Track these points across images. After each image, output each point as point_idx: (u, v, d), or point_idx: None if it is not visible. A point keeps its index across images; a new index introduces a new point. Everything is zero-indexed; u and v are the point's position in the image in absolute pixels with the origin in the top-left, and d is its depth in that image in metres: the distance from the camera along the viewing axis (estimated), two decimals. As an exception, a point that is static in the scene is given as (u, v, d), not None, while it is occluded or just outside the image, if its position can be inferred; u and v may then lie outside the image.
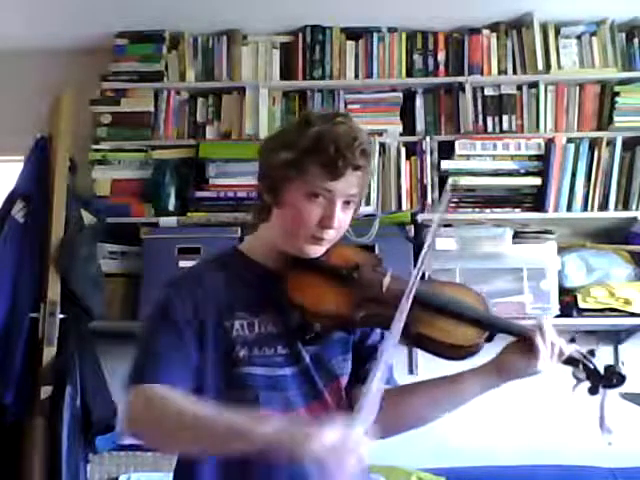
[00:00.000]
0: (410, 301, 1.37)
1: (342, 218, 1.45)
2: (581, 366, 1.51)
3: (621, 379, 1.51)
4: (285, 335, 1.44)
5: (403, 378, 1.61)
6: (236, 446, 1.25)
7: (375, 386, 1.26)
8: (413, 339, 1.45)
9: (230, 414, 1.26)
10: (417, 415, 1.53)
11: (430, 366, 1.56)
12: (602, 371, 1.51)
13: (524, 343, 1.46)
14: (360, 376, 1.49)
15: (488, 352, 1.50)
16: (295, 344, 1.45)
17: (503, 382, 1.48)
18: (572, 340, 1.52)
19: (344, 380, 1.51)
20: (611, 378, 1.51)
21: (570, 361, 1.50)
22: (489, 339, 1.48)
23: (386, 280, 1.48)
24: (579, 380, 1.52)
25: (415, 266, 1.44)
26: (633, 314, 2.82)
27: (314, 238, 1.44)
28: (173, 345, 1.38)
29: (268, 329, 1.44)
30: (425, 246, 1.51)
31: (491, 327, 1.49)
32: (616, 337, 2.95)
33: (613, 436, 1.51)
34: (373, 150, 1.51)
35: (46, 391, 2.59)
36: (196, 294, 1.43)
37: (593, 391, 1.51)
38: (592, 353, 1.53)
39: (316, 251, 1.46)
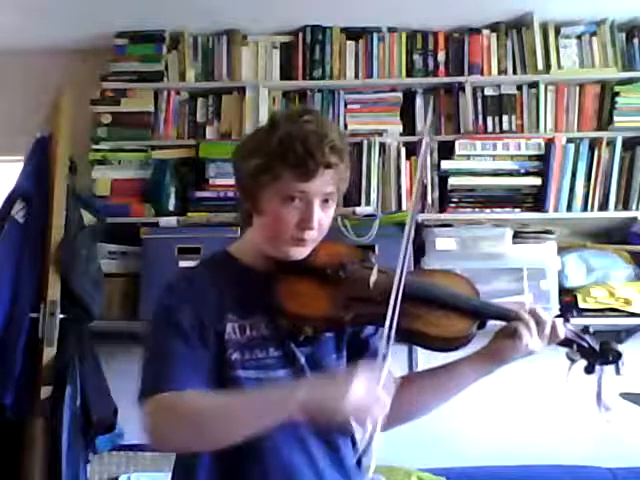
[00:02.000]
0: (400, 298, 1.36)
1: (322, 217, 1.44)
2: (575, 346, 1.49)
3: (617, 355, 1.49)
4: (277, 337, 1.44)
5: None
6: (273, 417, 1.27)
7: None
8: (403, 334, 1.45)
9: (257, 392, 1.32)
10: (413, 406, 1.53)
11: (430, 364, 1.55)
12: (597, 348, 1.49)
13: (512, 328, 1.45)
14: None
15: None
16: (288, 346, 1.44)
17: (497, 367, 1.47)
18: (566, 320, 1.50)
19: None
20: (607, 355, 1.49)
21: (564, 342, 1.48)
22: (481, 326, 1.47)
23: (373, 277, 1.47)
24: (573, 361, 1.49)
25: (419, 266, 1.43)
26: (633, 314, 2.82)
27: (296, 240, 1.44)
28: (183, 350, 1.37)
29: (260, 332, 1.43)
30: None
31: (481, 316, 1.48)
32: (616, 337, 2.95)
33: (611, 413, 1.49)
34: (346, 146, 1.48)
35: (46, 391, 2.58)
36: (192, 298, 1.42)
37: (589, 370, 1.49)
38: (586, 331, 1.51)
39: (300, 252, 1.46)
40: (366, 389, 1.23)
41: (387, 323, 1.34)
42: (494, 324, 1.50)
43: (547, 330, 1.44)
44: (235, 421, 1.29)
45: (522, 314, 1.44)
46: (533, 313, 1.45)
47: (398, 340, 1.47)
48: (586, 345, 1.49)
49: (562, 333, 1.46)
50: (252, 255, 1.51)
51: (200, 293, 1.43)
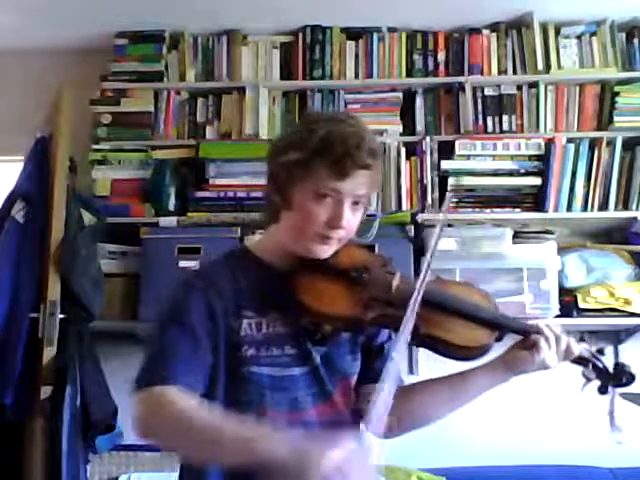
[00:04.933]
0: (419, 302, 1.38)
1: (351, 218, 1.45)
2: (590, 365, 1.51)
3: (631, 378, 1.51)
4: (294, 335, 1.45)
5: (404, 378, 1.61)
6: (239, 459, 1.24)
7: (387, 387, 1.28)
8: (422, 340, 1.45)
9: (237, 425, 1.26)
10: (426, 413, 1.54)
11: (430, 366, 1.56)
12: (611, 370, 1.51)
13: (530, 341, 1.47)
14: (368, 375, 1.51)
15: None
16: (304, 344, 1.45)
17: (511, 377, 1.49)
18: (581, 339, 1.52)
19: (353, 379, 1.52)
20: (620, 377, 1.51)
21: (579, 360, 1.51)
22: (498, 339, 1.49)
23: (395, 281, 1.48)
24: (588, 379, 1.52)
25: (420, 266, 1.45)
26: (633, 314, 2.82)
27: (323, 238, 1.45)
28: (188, 346, 1.38)
29: (276, 329, 1.44)
30: (432, 243, 1.52)
31: (501, 327, 1.50)
32: (616, 337, 2.95)
33: (623, 435, 1.50)
34: (381, 150, 1.51)
35: (46, 391, 2.58)
36: (208, 294, 1.43)
37: (603, 390, 1.51)
38: (601, 352, 1.53)
39: (325, 251, 1.47)
40: (343, 460, 1.15)
41: (401, 336, 1.35)
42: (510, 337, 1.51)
43: (563, 346, 1.47)
44: (205, 449, 1.27)
45: (543, 328, 1.47)
46: (550, 329, 1.47)
47: (417, 345, 1.48)
48: (601, 365, 1.51)
49: (577, 350, 1.49)
50: (273, 253, 1.52)
51: (215, 289, 1.43)
